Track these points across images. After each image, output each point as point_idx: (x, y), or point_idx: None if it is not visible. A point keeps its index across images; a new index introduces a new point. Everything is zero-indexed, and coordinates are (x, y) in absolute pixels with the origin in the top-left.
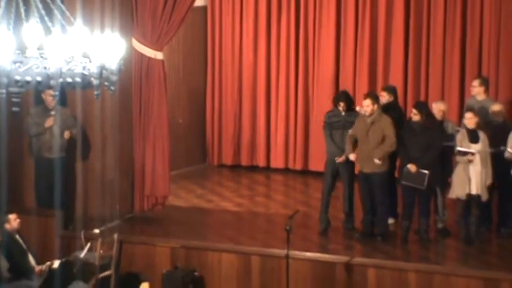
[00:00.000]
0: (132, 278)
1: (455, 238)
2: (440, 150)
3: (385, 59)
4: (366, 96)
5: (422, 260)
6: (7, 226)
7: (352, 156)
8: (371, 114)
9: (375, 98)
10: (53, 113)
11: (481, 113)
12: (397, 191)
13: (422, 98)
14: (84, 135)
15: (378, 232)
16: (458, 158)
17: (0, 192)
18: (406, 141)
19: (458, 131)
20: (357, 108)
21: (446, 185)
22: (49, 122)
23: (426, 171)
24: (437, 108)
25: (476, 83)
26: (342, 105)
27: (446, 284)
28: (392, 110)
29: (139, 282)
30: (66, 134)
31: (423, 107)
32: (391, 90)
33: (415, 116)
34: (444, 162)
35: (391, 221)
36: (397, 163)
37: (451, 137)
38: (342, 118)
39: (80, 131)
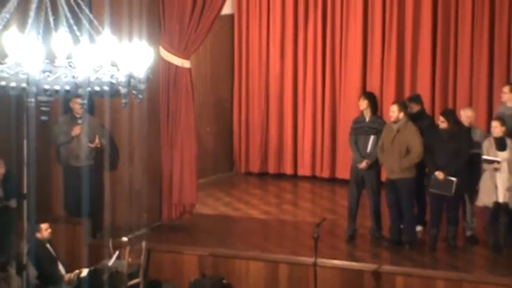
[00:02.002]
0: (155, 286)
1: (484, 246)
2: (468, 157)
3: (413, 66)
4: (394, 102)
5: (451, 268)
6: (38, 235)
7: (363, 164)
8: (396, 121)
9: (403, 106)
10: (80, 121)
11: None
12: (426, 199)
13: (450, 105)
14: (112, 144)
15: (406, 240)
16: (485, 166)
17: (29, 201)
18: (433, 149)
19: (487, 137)
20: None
21: (474, 193)
22: (76, 131)
23: (454, 179)
24: (465, 115)
25: (506, 89)
26: (363, 103)
27: None
28: (422, 119)
29: None
30: (96, 142)
31: (450, 114)
32: (415, 99)
33: (442, 123)
34: (472, 169)
35: (419, 228)
36: (427, 170)
37: (478, 144)
38: (365, 124)
39: (108, 140)
